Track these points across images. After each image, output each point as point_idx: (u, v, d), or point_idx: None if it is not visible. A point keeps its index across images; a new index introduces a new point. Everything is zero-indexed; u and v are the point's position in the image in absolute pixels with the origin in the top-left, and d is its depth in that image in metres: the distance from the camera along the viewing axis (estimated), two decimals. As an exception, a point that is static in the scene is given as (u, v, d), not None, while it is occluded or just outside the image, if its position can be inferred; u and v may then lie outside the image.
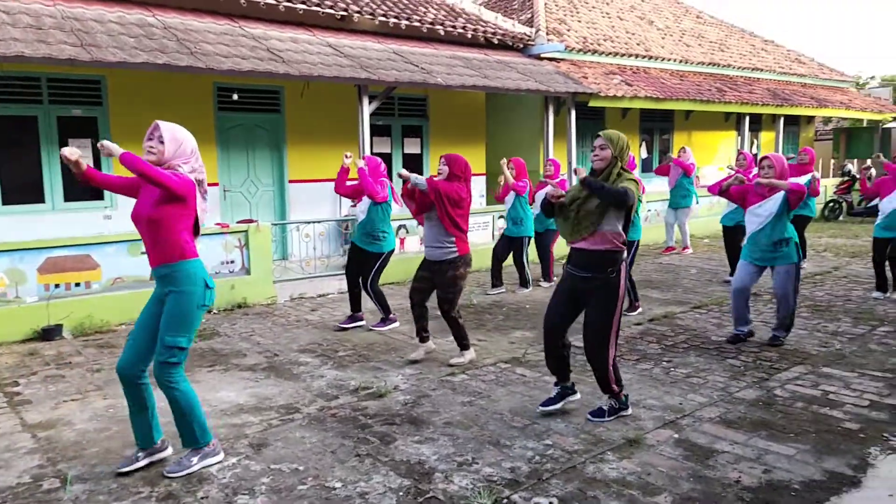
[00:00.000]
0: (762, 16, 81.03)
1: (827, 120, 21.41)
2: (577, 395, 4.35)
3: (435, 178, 5.22)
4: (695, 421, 4.12)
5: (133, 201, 3.61)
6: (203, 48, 7.57)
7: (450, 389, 4.79)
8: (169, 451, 3.72)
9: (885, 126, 18.72)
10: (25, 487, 3.44)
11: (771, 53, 18.29)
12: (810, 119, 18.71)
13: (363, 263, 6.51)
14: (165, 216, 3.41)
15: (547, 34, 12.49)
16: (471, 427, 4.09)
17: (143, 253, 7.07)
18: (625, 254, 4.01)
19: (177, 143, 3.48)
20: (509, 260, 8.45)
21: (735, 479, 3.38)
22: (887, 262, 7.37)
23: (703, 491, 3.27)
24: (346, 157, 6.58)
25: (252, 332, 6.55)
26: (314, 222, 8.87)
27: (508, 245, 8.30)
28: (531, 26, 12.60)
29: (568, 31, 13.34)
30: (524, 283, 8.34)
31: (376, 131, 10.70)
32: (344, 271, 6.94)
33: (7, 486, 3.45)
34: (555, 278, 8.44)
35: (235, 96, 9.04)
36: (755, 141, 17.47)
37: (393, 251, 6.61)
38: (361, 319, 6.68)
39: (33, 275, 6.58)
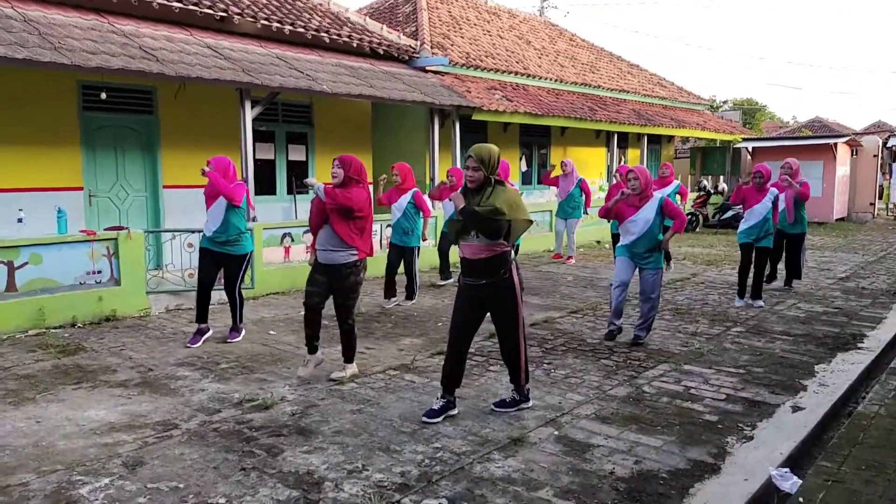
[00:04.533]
0: (631, 38, 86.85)
1: (685, 139, 23.29)
2: (456, 410, 4.42)
3: (329, 185, 4.98)
4: (573, 418, 4.35)
5: None
6: (68, 43, 7.05)
7: (339, 398, 4.75)
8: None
9: (735, 146, 20.63)
10: None
11: (636, 76, 19.66)
12: (671, 138, 20.27)
13: (229, 269, 6.26)
14: None
15: (432, 48, 12.73)
16: (360, 434, 4.09)
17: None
18: (511, 254, 4.24)
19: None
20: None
21: (610, 470, 3.61)
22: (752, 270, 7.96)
23: (581, 483, 3.46)
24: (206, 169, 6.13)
25: (123, 346, 6.16)
26: (193, 231, 8.46)
27: (399, 255, 8.07)
28: (416, 39, 12.79)
29: (451, 45, 13.66)
30: (411, 294, 8.15)
31: (259, 137, 10.41)
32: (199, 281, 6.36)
33: None
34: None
35: (104, 95, 8.47)
36: (622, 157, 18.67)
37: (253, 252, 6.44)
38: (209, 330, 6.39)
39: None
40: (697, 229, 17.12)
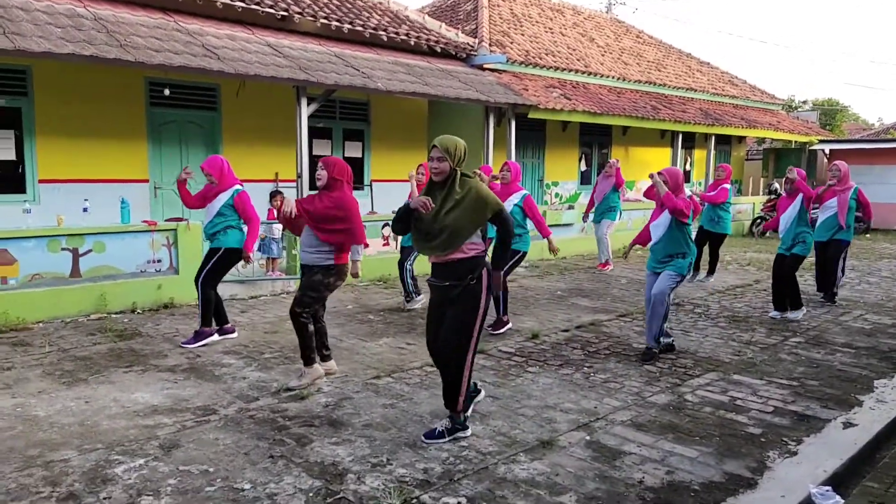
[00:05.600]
0: (722, 46, 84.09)
1: (760, 141, 22.36)
2: (482, 395, 4.40)
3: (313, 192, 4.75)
4: (607, 424, 4.24)
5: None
6: (134, 41, 7.38)
7: (373, 392, 4.79)
8: None
9: (811, 148, 19.69)
10: (-87, 489, 3.28)
11: (706, 74, 19.02)
12: (741, 139, 19.52)
13: (204, 261, 6.00)
14: None
15: (490, 46, 12.68)
16: (389, 429, 4.11)
17: (63, 249, 6.85)
18: (485, 259, 3.88)
19: None
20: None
21: (639, 479, 3.50)
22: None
23: (607, 490, 3.37)
24: (186, 173, 6.10)
25: (176, 333, 6.40)
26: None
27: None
28: (475, 37, 12.77)
29: (511, 43, 13.57)
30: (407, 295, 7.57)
31: (317, 134, 10.64)
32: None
33: None
34: None
35: (167, 91, 8.83)
36: (688, 158, 18.13)
37: (239, 250, 5.96)
38: (233, 331, 6.26)
39: None
40: (767, 234, 16.39)
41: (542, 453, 3.79)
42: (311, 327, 4.87)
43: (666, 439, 4.01)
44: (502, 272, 3.88)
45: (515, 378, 5.15)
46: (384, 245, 9.62)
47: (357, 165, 11.21)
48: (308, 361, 4.87)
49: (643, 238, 5.95)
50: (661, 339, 5.79)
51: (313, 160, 10.28)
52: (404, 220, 3.92)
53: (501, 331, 6.49)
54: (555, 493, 3.32)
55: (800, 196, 7.18)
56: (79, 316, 6.85)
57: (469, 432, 4.01)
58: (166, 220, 8.10)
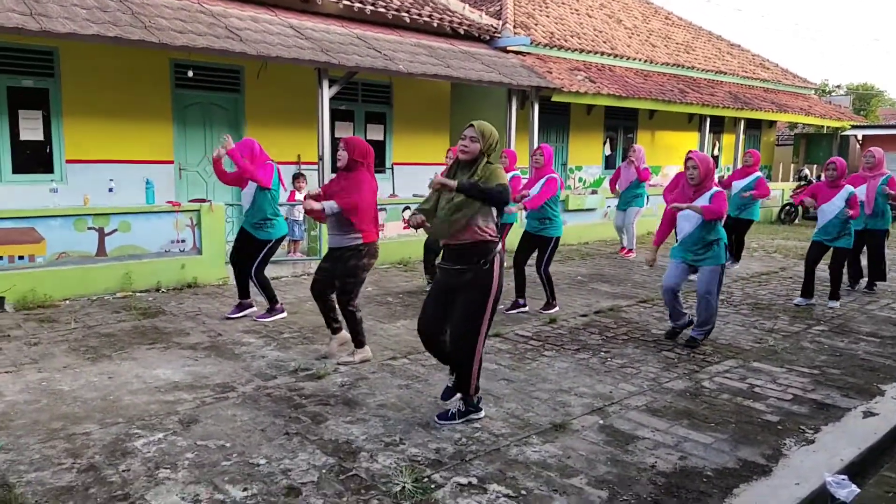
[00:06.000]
0: (754, 29, 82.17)
1: (792, 125, 21.88)
2: (482, 414, 4.12)
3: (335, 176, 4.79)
4: (621, 408, 4.23)
5: None
6: (158, 23, 7.45)
7: (389, 373, 4.83)
8: None
9: (843, 133, 19.22)
10: (-58, 457, 3.39)
11: (736, 57, 18.62)
12: (772, 123, 19.12)
13: (250, 250, 6.12)
14: None
15: (514, 27, 12.54)
16: (403, 409, 4.14)
17: (89, 228, 6.99)
18: (498, 245, 3.83)
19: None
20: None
21: (651, 464, 3.49)
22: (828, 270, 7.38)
23: (619, 474, 3.36)
24: (224, 146, 5.95)
25: (198, 312, 6.50)
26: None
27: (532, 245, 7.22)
28: (499, 18, 12.64)
29: (536, 25, 13.41)
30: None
31: (339, 116, 10.66)
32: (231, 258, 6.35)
33: (-77, 456, 3.40)
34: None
35: (190, 73, 8.91)
36: (717, 142, 17.81)
37: (284, 237, 6.24)
38: (251, 306, 6.37)
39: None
40: (797, 221, 16.12)
41: (554, 436, 3.79)
42: (360, 314, 5.02)
43: (681, 425, 3.99)
44: (463, 188, 3.60)
45: (531, 362, 5.15)
46: (405, 228, 9.65)
47: (379, 148, 11.22)
48: (359, 344, 5.04)
49: (664, 234, 5.82)
50: (696, 330, 5.71)
51: (335, 143, 10.32)
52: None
53: (550, 311, 6.70)
54: (566, 476, 3.33)
55: (846, 188, 7.03)
56: (104, 294, 6.99)
57: (482, 414, 4.02)
58: (190, 201, 8.20)
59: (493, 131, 3.80)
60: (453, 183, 3.61)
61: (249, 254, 6.13)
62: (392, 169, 11.60)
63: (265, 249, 6.11)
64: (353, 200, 4.74)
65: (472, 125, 3.76)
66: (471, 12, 12.21)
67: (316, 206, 4.77)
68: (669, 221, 5.75)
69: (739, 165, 13.43)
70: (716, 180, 5.66)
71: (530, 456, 3.54)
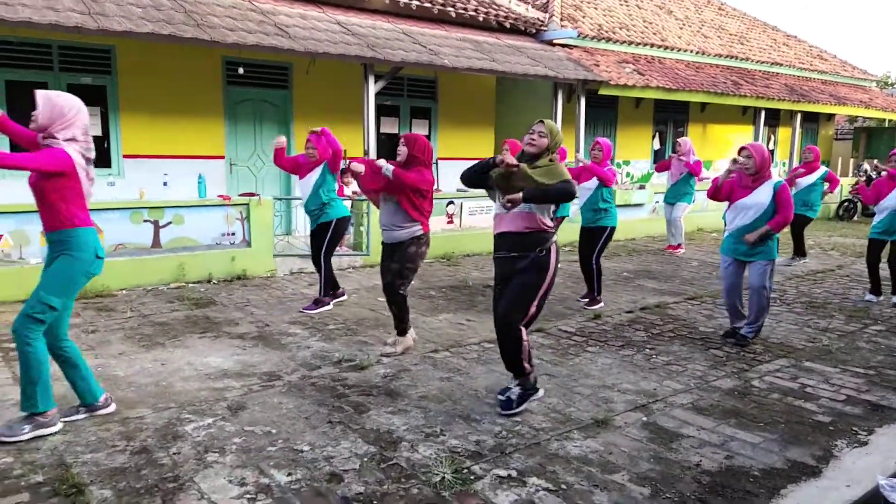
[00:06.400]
0: (814, 20, 79.39)
1: (852, 119, 21.05)
2: (541, 392, 4.19)
3: (395, 161, 4.89)
4: (666, 406, 4.16)
5: None
6: (210, 21, 7.64)
7: (430, 365, 4.86)
8: (112, 408, 3.87)
9: (906, 127, 18.41)
10: (7, 436, 3.57)
11: (792, 49, 18.02)
12: (830, 116, 18.44)
13: (319, 242, 6.34)
14: (47, 187, 3.46)
15: (561, 20, 12.40)
16: (444, 401, 4.17)
17: (145, 221, 7.22)
18: (554, 236, 3.94)
19: (52, 108, 3.44)
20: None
21: (696, 462, 3.42)
22: (888, 266, 7.19)
23: (662, 472, 3.32)
24: (279, 143, 6.46)
25: (247, 303, 6.67)
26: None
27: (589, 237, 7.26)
28: (546, 11, 12.52)
29: (583, 17, 13.23)
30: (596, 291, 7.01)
31: (384, 111, 10.74)
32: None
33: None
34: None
35: (241, 70, 9.11)
36: (772, 136, 17.28)
37: (347, 219, 6.43)
38: (343, 295, 6.67)
39: (37, 237, 6.72)
40: (855, 217, 15.53)
41: (596, 432, 3.76)
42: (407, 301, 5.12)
43: (728, 424, 3.90)
44: (531, 197, 3.74)
45: (574, 357, 5.11)
46: (448, 223, 9.67)
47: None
48: (402, 332, 5.13)
49: (719, 190, 5.56)
50: (747, 327, 5.58)
51: (381, 138, 10.41)
52: (478, 174, 3.93)
53: (595, 307, 6.65)
54: (607, 472, 3.30)
55: None
56: (159, 284, 7.23)
57: (542, 392, 4.14)
58: (240, 195, 8.40)
59: (559, 131, 3.99)
60: (523, 166, 3.78)
61: (319, 246, 6.36)
62: (437, 164, 11.63)
63: (329, 232, 6.29)
64: (412, 175, 4.81)
65: (541, 121, 3.93)
66: (517, 5, 12.12)
67: (378, 163, 4.84)
68: (725, 188, 5.52)
69: (797, 160, 12.99)
70: (773, 174, 5.47)
71: (571, 451, 3.52)
